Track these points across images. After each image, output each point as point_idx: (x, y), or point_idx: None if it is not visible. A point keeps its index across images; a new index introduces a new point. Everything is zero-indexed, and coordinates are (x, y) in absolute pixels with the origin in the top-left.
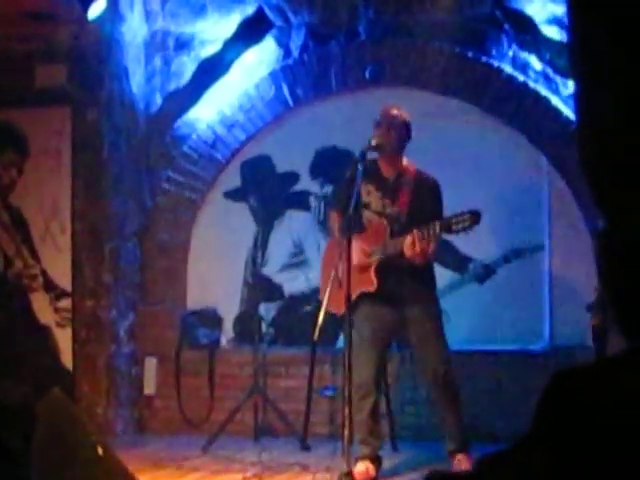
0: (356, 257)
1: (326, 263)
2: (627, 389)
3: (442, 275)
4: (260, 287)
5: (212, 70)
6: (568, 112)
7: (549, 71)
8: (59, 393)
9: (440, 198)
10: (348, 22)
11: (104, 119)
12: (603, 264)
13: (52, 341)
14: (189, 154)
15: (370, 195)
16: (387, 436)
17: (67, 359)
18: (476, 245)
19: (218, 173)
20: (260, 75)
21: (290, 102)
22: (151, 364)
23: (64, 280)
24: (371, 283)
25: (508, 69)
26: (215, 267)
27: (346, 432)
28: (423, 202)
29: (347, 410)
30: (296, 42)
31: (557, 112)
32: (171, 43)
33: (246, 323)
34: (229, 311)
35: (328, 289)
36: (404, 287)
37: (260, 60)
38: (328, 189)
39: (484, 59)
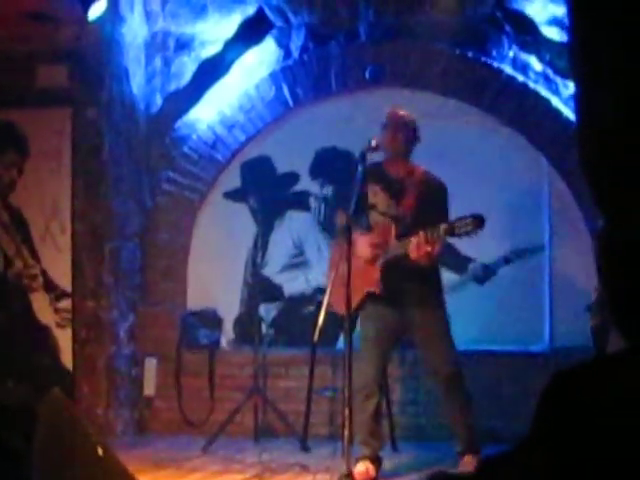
0: (361, 258)
1: (332, 264)
2: (626, 388)
3: (442, 276)
4: (260, 288)
5: (212, 71)
6: (568, 113)
7: (549, 72)
8: (59, 393)
9: (446, 201)
10: (348, 23)
11: (104, 119)
12: (603, 264)
13: (52, 341)
14: (189, 155)
15: (376, 196)
16: (387, 437)
17: (67, 359)
18: (476, 246)
19: (218, 174)
20: (260, 76)
21: (290, 103)
22: (151, 365)
23: (64, 280)
24: (376, 284)
25: (508, 70)
26: (215, 268)
27: (346, 432)
28: (429, 204)
29: (347, 411)
30: (296, 43)
31: (557, 113)
32: (171, 44)
33: (246, 324)
34: (229, 312)
35: (328, 289)
36: (409, 288)
37: (260, 61)
38: (328, 190)
39: (484, 60)
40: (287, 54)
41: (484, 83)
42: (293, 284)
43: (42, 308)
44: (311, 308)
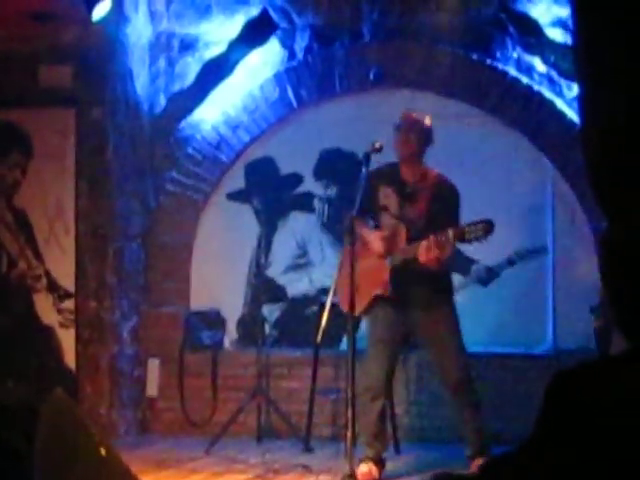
0: (372, 260)
1: (342, 266)
2: (628, 389)
3: None
4: (263, 288)
5: (216, 71)
6: (572, 115)
7: (553, 74)
8: (62, 394)
9: (458, 205)
10: (352, 24)
11: (108, 120)
12: (604, 264)
13: (55, 342)
14: (193, 155)
15: (388, 198)
16: (390, 438)
17: (70, 360)
18: (479, 248)
19: (222, 174)
20: (264, 76)
21: (294, 103)
22: (154, 365)
23: (68, 281)
24: (385, 287)
25: (512, 71)
26: (219, 268)
27: (349, 434)
28: (441, 208)
29: (350, 412)
30: (300, 44)
31: (561, 115)
32: (176, 44)
33: (249, 324)
34: (232, 312)
35: (331, 290)
36: (419, 292)
37: (264, 61)
38: (332, 191)
39: (488, 61)
40: (291, 55)
41: (488, 85)
42: (296, 285)
43: (45, 308)
44: (314, 309)
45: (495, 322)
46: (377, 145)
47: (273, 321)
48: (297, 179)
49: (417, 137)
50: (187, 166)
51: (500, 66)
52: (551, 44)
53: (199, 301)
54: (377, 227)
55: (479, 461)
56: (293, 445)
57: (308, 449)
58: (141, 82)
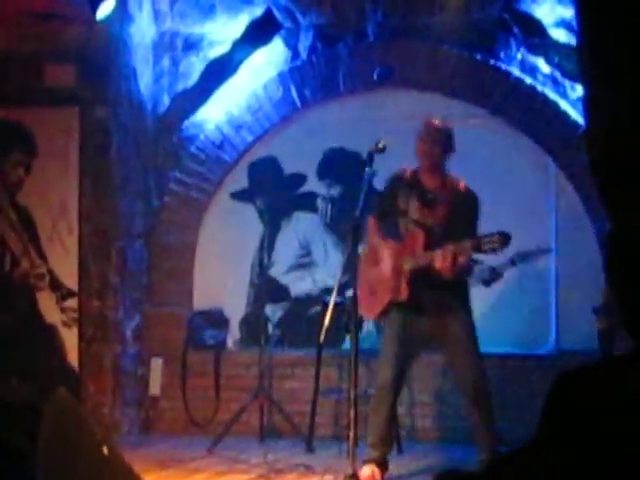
0: (389, 265)
1: (360, 270)
2: (631, 389)
3: None
4: (266, 288)
5: (220, 71)
6: (576, 115)
7: (557, 74)
8: (65, 393)
9: (477, 214)
10: (356, 24)
11: (112, 119)
12: (609, 264)
13: (58, 341)
14: (196, 155)
15: (409, 204)
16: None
17: (73, 359)
18: None
19: (225, 174)
20: (268, 76)
21: (298, 103)
22: (157, 365)
23: (71, 280)
24: (402, 292)
25: (516, 72)
26: (222, 268)
27: (351, 434)
28: (460, 216)
29: (352, 412)
30: (304, 43)
31: (565, 115)
32: (179, 44)
33: (252, 324)
34: (235, 312)
35: (335, 289)
36: (436, 298)
37: (268, 61)
38: (335, 190)
39: (492, 62)
40: (295, 55)
41: (492, 85)
42: (299, 285)
43: (48, 307)
44: (317, 309)
45: (498, 322)
46: (380, 145)
47: (276, 321)
48: (300, 179)
49: (441, 148)
50: (190, 166)
51: (504, 66)
52: (555, 45)
53: (202, 301)
54: (396, 232)
55: None
56: (295, 445)
57: (310, 449)
58: (145, 81)
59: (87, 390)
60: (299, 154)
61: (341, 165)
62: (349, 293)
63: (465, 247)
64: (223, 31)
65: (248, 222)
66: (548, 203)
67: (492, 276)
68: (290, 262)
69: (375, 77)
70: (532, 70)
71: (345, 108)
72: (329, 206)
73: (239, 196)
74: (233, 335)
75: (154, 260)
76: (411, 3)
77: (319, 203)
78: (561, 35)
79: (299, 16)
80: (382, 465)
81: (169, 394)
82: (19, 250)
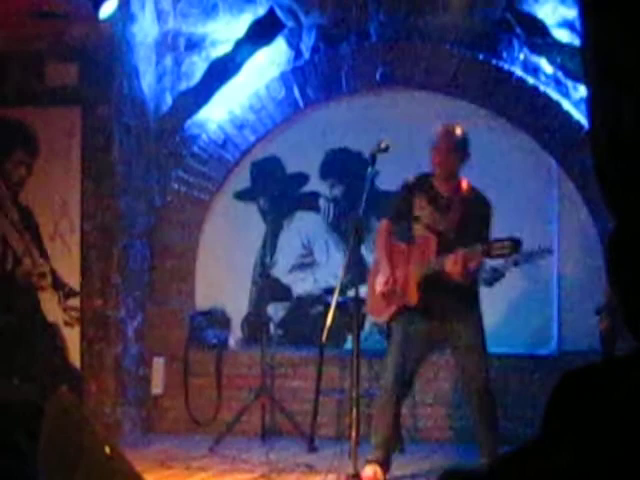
0: (401, 269)
1: (371, 273)
2: (635, 390)
3: None
4: (269, 288)
5: (223, 70)
6: (578, 116)
7: (560, 75)
8: (67, 392)
9: (489, 219)
10: (359, 24)
11: (114, 118)
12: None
13: (60, 340)
14: (199, 154)
15: (422, 209)
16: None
17: (75, 358)
18: None
19: (228, 173)
20: (271, 76)
21: (300, 103)
22: (159, 364)
23: (73, 279)
24: (413, 296)
25: (519, 72)
26: (224, 267)
27: (353, 434)
28: (473, 222)
29: (354, 412)
30: (307, 43)
31: (567, 116)
32: (182, 43)
33: (254, 324)
34: (237, 311)
35: (337, 289)
36: (446, 302)
37: (271, 61)
38: (338, 190)
39: (495, 62)
40: (298, 54)
41: (494, 85)
42: (302, 284)
43: (50, 306)
44: (319, 308)
45: (500, 323)
46: (383, 145)
47: (278, 320)
48: (303, 178)
49: (457, 157)
50: (193, 165)
51: (506, 67)
52: (557, 45)
53: (204, 300)
54: (409, 237)
55: None
56: (297, 445)
57: (312, 449)
58: (147, 81)
59: (89, 389)
60: (301, 154)
61: (344, 165)
62: (351, 293)
63: (476, 252)
64: (226, 31)
65: (250, 222)
66: (550, 203)
67: (494, 276)
68: (292, 262)
69: (377, 77)
70: (535, 70)
71: (348, 108)
72: (331, 206)
73: (241, 196)
74: (235, 334)
75: (156, 259)
76: (414, 3)
77: (321, 203)
78: (564, 35)
79: (302, 16)
80: (385, 465)
81: (171, 393)
82: (21, 249)
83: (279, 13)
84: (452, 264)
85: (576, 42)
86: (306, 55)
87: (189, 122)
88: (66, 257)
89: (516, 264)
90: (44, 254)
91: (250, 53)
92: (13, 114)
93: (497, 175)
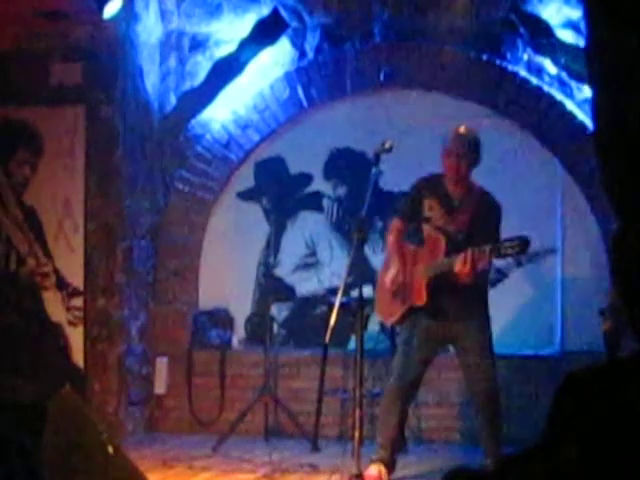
0: (410, 269)
1: (380, 274)
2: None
3: None
4: (272, 288)
5: (227, 70)
6: (582, 116)
7: (564, 75)
8: (70, 391)
9: (499, 223)
10: (363, 24)
11: (118, 118)
12: (616, 264)
13: (64, 339)
14: (203, 154)
15: (432, 210)
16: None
17: (78, 357)
18: None
19: (231, 173)
20: (275, 76)
21: (304, 103)
22: (162, 364)
23: (76, 279)
24: (421, 297)
25: (523, 73)
26: (227, 267)
27: (356, 434)
28: (482, 223)
29: (358, 412)
30: (311, 43)
31: (571, 116)
32: (186, 43)
33: (258, 324)
34: (241, 311)
35: (341, 289)
36: (454, 303)
37: (275, 61)
38: (341, 190)
39: (499, 62)
40: (302, 55)
41: (498, 86)
42: (305, 284)
43: (54, 306)
44: (323, 308)
45: (503, 323)
46: (387, 145)
47: (281, 320)
48: (307, 178)
49: (469, 161)
50: (197, 165)
51: (510, 67)
52: (562, 45)
53: (208, 300)
54: (419, 238)
55: None
56: (300, 445)
57: (316, 449)
58: (151, 81)
59: (92, 389)
60: (305, 154)
61: (347, 165)
62: (355, 293)
63: (485, 252)
64: (230, 31)
65: (254, 222)
66: (554, 203)
67: (497, 276)
68: (296, 262)
69: (381, 77)
70: (538, 71)
71: (351, 108)
72: (335, 206)
73: (245, 196)
74: (238, 334)
75: (160, 259)
76: (418, 4)
77: (325, 203)
78: (568, 36)
79: (306, 16)
80: (389, 465)
81: (174, 393)
82: (25, 249)
83: (283, 13)
84: (461, 264)
85: (580, 43)
86: (310, 55)
87: (193, 122)
88: (70, 256)
89: (519, 265)
90: (48, 254)
91: (254, 53)
92: (17, 114)
93: (501, 175)
